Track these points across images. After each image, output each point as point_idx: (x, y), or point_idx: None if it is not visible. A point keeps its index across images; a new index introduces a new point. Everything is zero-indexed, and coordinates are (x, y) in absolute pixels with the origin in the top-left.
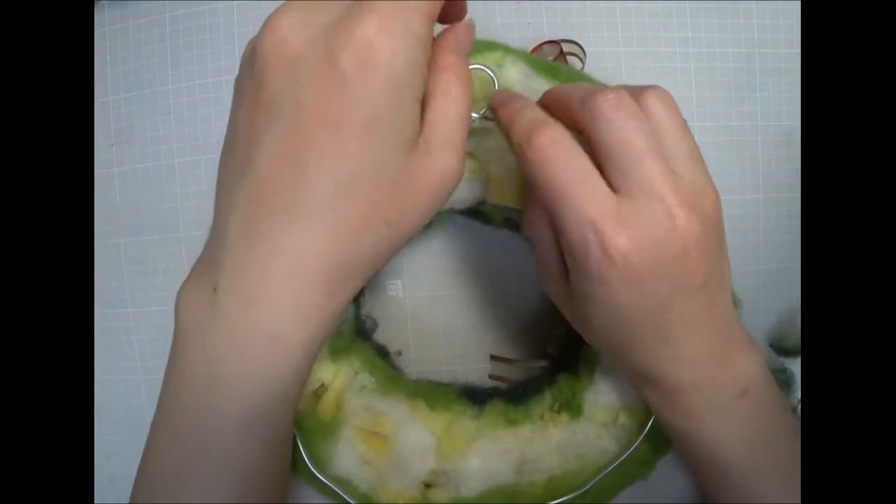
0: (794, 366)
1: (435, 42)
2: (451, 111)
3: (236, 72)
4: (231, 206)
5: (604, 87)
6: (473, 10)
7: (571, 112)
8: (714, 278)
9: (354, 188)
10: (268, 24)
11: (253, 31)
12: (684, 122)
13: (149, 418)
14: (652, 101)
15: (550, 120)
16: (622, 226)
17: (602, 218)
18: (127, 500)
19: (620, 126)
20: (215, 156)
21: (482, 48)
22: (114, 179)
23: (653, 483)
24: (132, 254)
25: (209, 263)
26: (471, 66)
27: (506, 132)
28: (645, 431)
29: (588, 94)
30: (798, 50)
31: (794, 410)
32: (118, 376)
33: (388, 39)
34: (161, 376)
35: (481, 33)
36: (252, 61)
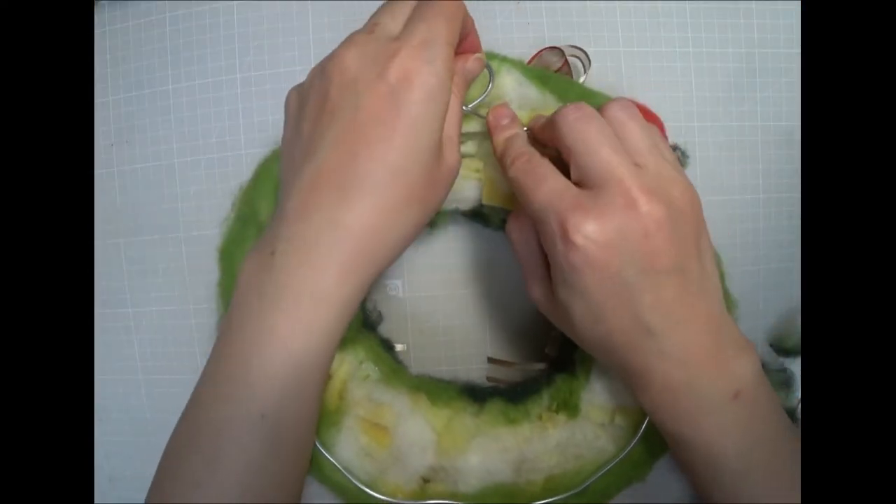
0: (794, 366)
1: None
2: (453, 117)
3: (237, 72)
4: (292, 187)
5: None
6: (473, 10)
7: (552, 132)
8: (689, 266)
9: (397, 174)
10: (335, 54)
11: (253, 30)
12: (647, 125)
13: (149, 418)
14: (613, 109)
15: (531, 150)
16: (583, 212)
17: (565, 208)
18: (127, 500)
19: (580, 127)
20: (215, 156)
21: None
22: (114, 179)
23: (651, 485)
24: (132, 254)
25: (269, 235)
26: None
27: (498, 156)
28: (640, 433)
29: (557, 110)
30: (798, 50)
31: (794, 410)
32: (118, 376)
33: (422, 65)
34: (161, 376)
35: (482, 34)
36: (320, 81)
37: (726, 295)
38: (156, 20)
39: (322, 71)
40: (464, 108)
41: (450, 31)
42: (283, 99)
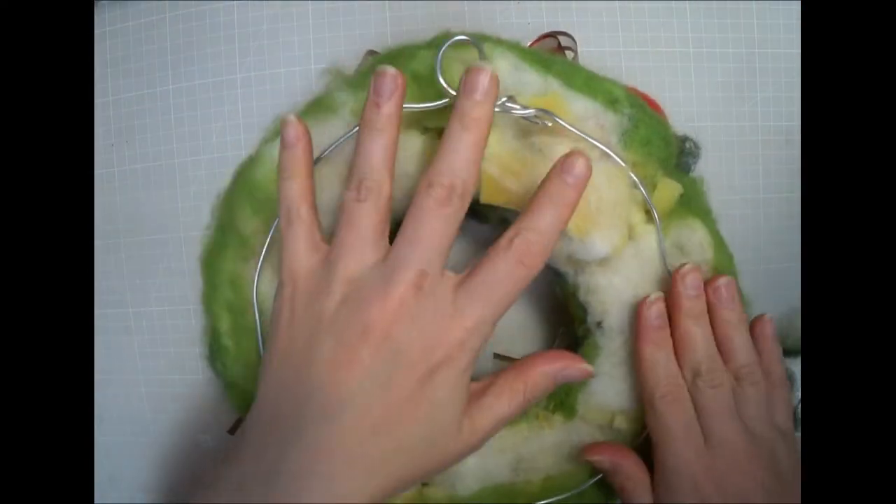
0: (795, 366)
1: (527, 362)
2: (501, 414)
3: (236, 72)
4: (290, 446)
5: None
6: (473, 10)
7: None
8: None
9: (411, 453)
10: (380, 308)
11: (253, 30)
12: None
13: (149, 418)
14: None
15: (680, 384)
16: (710, 477)
17: (699, 471)
18: (127, 500)
19: (713, 394)
20: (215, 156)
21: (476, 43)
22: (114, 179)
23: None
24: (132, 254)
25: (243, 491)
26: (459, 38)
27: (641, 375)
28: (641, 437)
29: (697, 364)
30: (798, 50)
31: (794, 410)
32: (118, 376)
33: (465, 354)
34: (161, 376)
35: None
36: (351, 327)
37: (741, 295)
38: (156, 20)
39: (352, 313)
40: (452, 93)
41: (501, 312)
42: (283, 99)
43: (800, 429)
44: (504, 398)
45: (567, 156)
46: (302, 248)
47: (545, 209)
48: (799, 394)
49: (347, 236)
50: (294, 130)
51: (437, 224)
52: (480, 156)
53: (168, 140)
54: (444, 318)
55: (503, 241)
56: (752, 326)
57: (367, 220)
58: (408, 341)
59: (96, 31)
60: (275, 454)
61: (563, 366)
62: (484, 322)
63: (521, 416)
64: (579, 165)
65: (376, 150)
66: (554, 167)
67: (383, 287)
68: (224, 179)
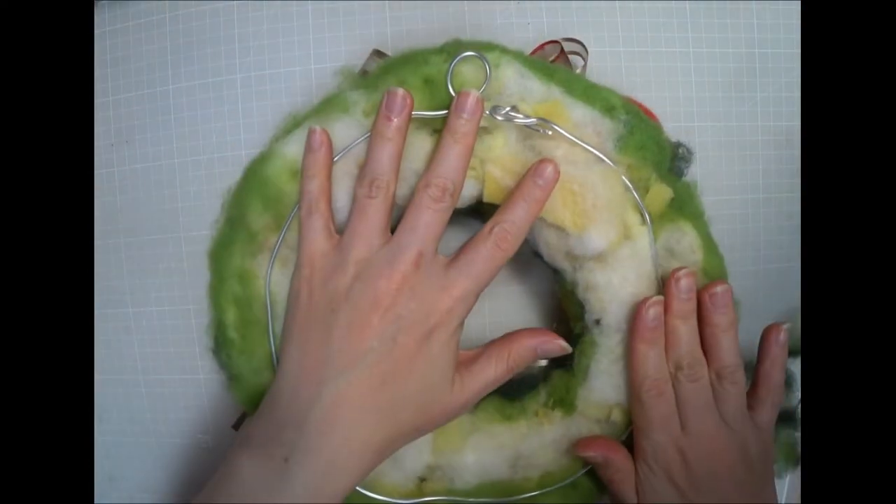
0: (794, 366)
1: (513, 335)
2: (489, 378)
3: (236, 72)
4: (315, 399)
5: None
6: (473, 10)
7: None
8: None
9: (415, 404)
10: (386, 277)
11: (253, 30)
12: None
13: (149, 418)
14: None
15: (665, 377)
16: (683, 461)
17: (673, 456)
18: (127, 500)
19: (692, 388)
20: (215, 155)
21: (480, 47)
22: (114, 179)
23: None
24: (132, 254)
25: (276, 438)
26: (467, 53)
27: (632, 368)
28: (629, 430)
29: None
30: (798, 50)
31: (794, 410)
32: (118, 376)
33: (453, 319)
34: (161, 376)
35: (482, 34)
36: (362, 298)
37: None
38: (156, 20)
39: (364, 287)
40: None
41: (483, 285)
42: (283, 99)
43: (800, 429)
44: (491, 363)
45: (539, 162)
46: (319, 236)
47: (518, 204)
48: (799, 394)
49: (359, 226)
50: (318, 137)
51: (432, 216)
52: (468, 163)
53: (168, 140)
54: (437, 290)
55: (485, 230)
56: (768, 332)
57: (376, 213)
58: (409, 309)
59: (96, 31)
60: (303, 406)
61: (544, 340)
62: (469, 293)
63: (520, 414)
64: (549, 171)
65: (385, 155)
66: (528, 171)
67: (389, 265)
68: (224, 179)
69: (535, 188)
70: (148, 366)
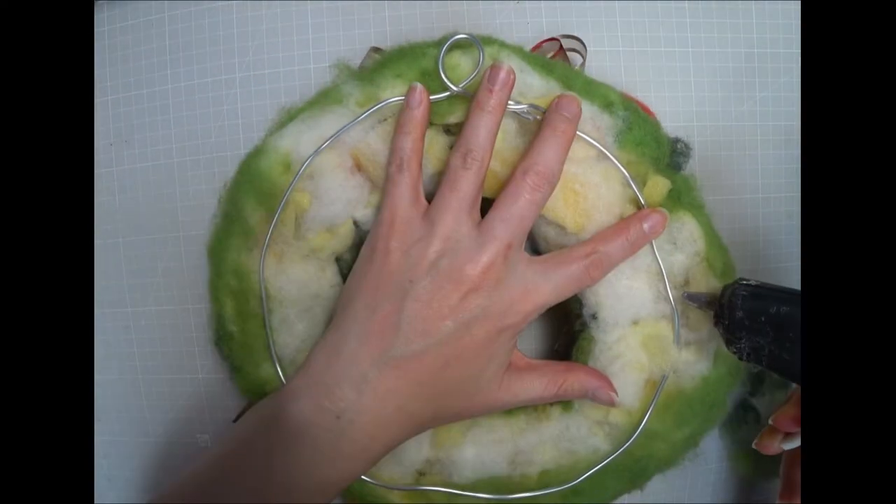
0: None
1: (574, 367)
2: (535, 393)
3: (236, 72)
4: (379, 364)
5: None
6: (473, 10)
7: None
8: None
9: (467, 389)
10: (487, 252)
11: (253, 30)
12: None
13: (148, 418)
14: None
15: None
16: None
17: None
18: (126, 500)
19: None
20: (215, 156)
21: (480, 41)
22: (114, 179)
23: (648, 494)
24: (132, 254)
25: (331, 392)
26: (460, 36)
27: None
28: (637, 433)
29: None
30: (798, 50)
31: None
32: (118, 376)
33: (521, 320)
34: (161, 376)
35: (481, 33)
36: (455, 272)
37: None
38: (156, 20)
39: (451, 266)
40: (453, 88)
41: (561, 300)
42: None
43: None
44: (543, 382)
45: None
46: (407, 196)
47: (618, 240)
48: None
49: (449, 197)
50: (418, 95)
51: (526, 207)
52: (566, 156)
53: (168, 140)
54: (520, 290)
55: (581, 250)
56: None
57: (468, 185)
58: (490, 300)
59: (96, 31)
60: (364, 367)
61: (599, 386)
62: (547, 303)
63: (520, 409)
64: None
65: (483, 127)
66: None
67: (478, 251)
68: (223, 179)
69: (644, 237)
70: (147, 366)
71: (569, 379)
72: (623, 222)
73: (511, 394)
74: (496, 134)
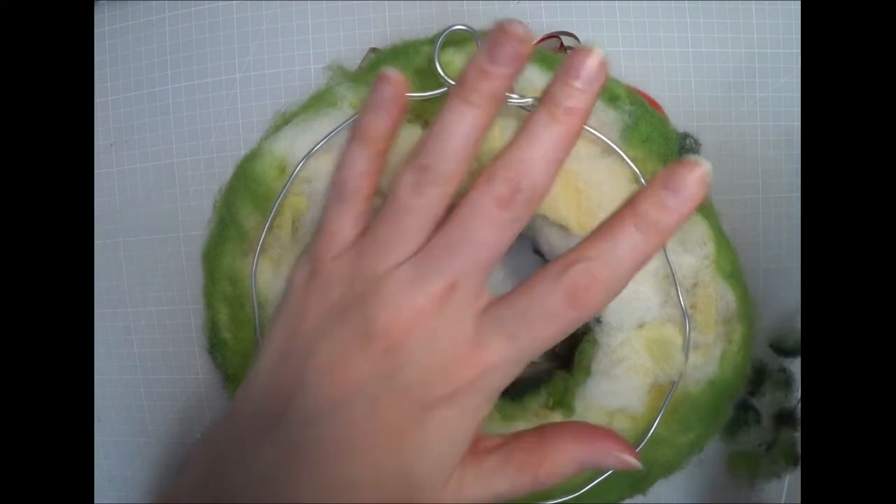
0: (794, 366)
1: (550, 433)
2: (500, 489)
3: (236, 72)
4: (272, 444)
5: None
6: (473, 10)
7: None
8: None
9: (385, 496)
10: (395, 309)
11: (253, 30)
12: None
13: (148, 418)
14: None
15: None
16: None
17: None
18: (126, 500)
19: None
20: (215, 155)
21: (479, 35)
22: (114, 179)
23: (651, 498)
24: (132, 254)
25: (217, 476)
26: (456, 27)
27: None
28: (644, 441)
29: None
30: (798, 50)
31: (794, 410)
32: (118, 376)
33: (493, 384)
34: (161, 376)
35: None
36: (364, 337)
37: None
38: (155, 20)
39: (361, 313)
40: (451, 82)
41: (534, 354)
42: (283, 99)
43: (799, 429)
44: (509, 471)
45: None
46: (345, 221)
47: (624, 235)
48: (799, 394)
49: (387, 232)
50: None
51: (487, 231)
52: (564, 158)
53: (168, 140)
54: (462, 345)
55: (552, 268)
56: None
57: (415, 221)
58: (412, 362)
59: (96, 31)
60: (253, 445)
61: (599, 451)
62: (507, 360)
63: (520, 413)
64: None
65: (459, 135)
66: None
67: (404, 291)
68: (223, 179)
69: (670, 213)
70: (147, 366)
71: (546, 459)
72: (626, 205)
73: (468, 496)
74: (478, 142)
